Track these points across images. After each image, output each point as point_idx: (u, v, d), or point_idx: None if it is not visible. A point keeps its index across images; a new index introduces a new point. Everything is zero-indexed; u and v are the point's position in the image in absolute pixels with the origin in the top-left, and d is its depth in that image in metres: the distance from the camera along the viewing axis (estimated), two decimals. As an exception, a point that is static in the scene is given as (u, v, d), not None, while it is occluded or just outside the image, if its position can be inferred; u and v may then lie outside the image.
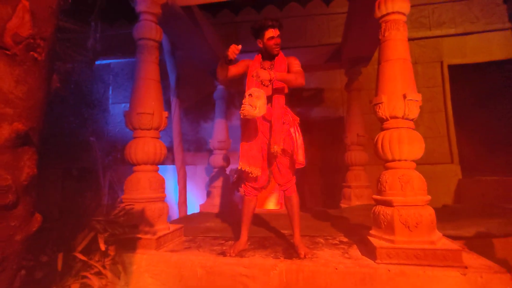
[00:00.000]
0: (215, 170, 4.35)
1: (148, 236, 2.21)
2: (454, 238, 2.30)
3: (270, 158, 2.13)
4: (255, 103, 1.86)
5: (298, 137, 2.06)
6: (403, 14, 2.20)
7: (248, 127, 2.13)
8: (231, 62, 1.99)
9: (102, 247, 1.84)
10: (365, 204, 3.82)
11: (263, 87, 2.01)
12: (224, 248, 2.25)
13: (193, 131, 5.54)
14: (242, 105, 1.90)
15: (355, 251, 2.12)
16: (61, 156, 4.75)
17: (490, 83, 5.39)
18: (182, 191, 4.29)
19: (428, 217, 1.89)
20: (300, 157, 2.03)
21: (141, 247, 2.19)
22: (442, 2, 5.35)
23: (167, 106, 4.48)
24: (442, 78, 5.20)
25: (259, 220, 3.22)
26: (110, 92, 5.84)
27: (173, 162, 4.58)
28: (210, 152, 4.53)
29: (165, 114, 2.54)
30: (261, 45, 2.11)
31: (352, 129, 4.24)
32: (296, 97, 5.62)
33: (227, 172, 4.51)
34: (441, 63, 5.23)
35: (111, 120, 5.71)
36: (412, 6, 5.35)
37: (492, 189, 4.08)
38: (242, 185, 2.23)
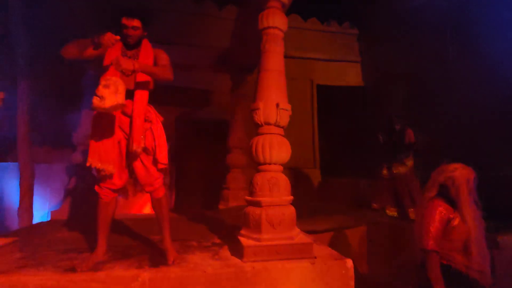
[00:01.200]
0: (79, 169, 3.68)
1: (-44, 256, 1.64)
2: (310, 232, 2.63)
3: (131, 156, 1.94)
4: (102, 93, 1.64)
5: (160, 136, 1.99)
6: (281, 30, 2.41)
7: (100, 119, 1.88)
8: (98, 49, 1.78)
9: None
10: (241, 205, 3.98)
11: (123, 77, 1.82)
12: (75, 262, 1.88)
13: (51, 121, 4.54)
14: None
15: (225, 252, 2.14)
16: None
17: (346, 103, 6.64)
18: (26, 195, 3.45)
19: (289, 215, 2.10)
20: (162, 157, 1.96)
21: None
22: (316, 30, 6.26)
23: (13, 86, 3.54)
24: (312, 95, 6.05)
25: (126, 227, 2.89)
26: None
27: (17, 158, 3.64)
28: (74, 148, 3.82)
29: (0, 94, 1.96)
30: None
31: (234, 132, 4.38)
32: (184, 96, 5.44)
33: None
34: (311, 81, 6.09)
35: None
36: (293, 28, 5.91)
37: (343, 189, 4.98)
38: (96, 187, 1.95)
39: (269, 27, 2.36)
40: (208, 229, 2.87)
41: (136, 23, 1.90)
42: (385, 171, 3.34)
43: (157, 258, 1.99)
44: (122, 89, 1.71)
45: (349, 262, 1.94)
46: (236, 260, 1.95)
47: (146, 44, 1.99)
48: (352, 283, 1.92)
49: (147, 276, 1.72)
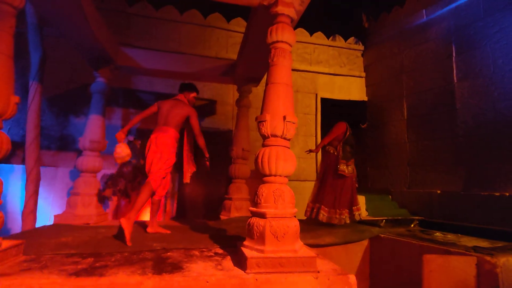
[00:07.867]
0: (83, 174, 3.70)
1: (-38, 257, 1.64)
2: (312, 246, 2.63)
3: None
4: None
5: (192, 166, 3.26)
6: (289, 44, 2.46)
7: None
8: None
9: None
10: (243, 216, 3.99)
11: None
12: (79, 267, 1.89)
13: (58, 126, 4.60)
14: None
15: (228, 263, 2.14)
16: None
17: (348, 118, 6.67)
18: (32, 198, 3.45)
19: (293, 228, 2.10)
20: (187, 179, 3.20)
21: None
22: (321, 44, 6.37)
23: (24, 91, 3.60)
24: (316, 108, 6.12)
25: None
26: None
27: (23, 161, 3.66)
28: (79, 152, 3.85)
29: (15, 99, 2.00)
30: (189, 97, 3.37)
31: (238, 143, 4.41)
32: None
33: (98, 178, 3.92)
34: (316, 95, 6.16)
35: None
36: (299, 42, 6.03)
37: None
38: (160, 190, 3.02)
39: (277, 41, 2.41)
40: (210, 239, 2.86)
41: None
42: (345, 170, 3.52)
43: (160, 265, 1.99)
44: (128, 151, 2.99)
45: (352, 278, 1.93)
46: (239, 271, 1.95)
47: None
48: (355, 298, 1.91)
49: (150, 284, 1.72)
